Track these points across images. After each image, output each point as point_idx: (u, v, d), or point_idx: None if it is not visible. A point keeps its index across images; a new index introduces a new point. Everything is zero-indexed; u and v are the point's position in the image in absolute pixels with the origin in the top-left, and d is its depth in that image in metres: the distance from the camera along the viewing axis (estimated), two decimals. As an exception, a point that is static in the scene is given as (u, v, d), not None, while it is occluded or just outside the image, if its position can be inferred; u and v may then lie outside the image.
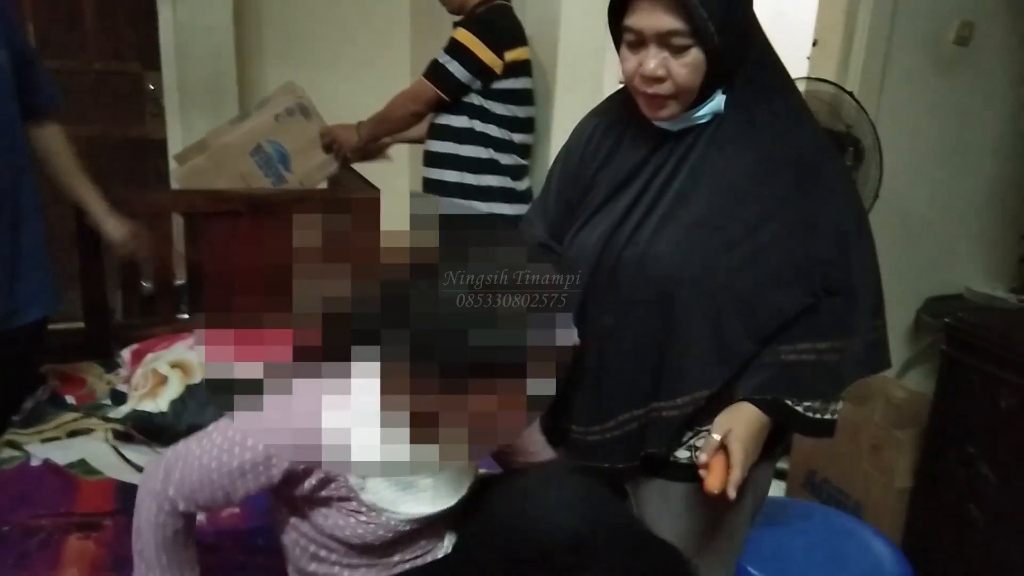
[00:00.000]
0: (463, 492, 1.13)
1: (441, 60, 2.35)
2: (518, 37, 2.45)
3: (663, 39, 1.09)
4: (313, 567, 1.11)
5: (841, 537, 1.68)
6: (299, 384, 1.02)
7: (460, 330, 0.87)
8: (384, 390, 0.93)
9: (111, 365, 2.04)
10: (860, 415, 2.28)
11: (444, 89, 2.36)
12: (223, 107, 3.24)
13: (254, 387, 1.01)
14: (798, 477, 2.44)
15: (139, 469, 1.59)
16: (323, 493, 1.04)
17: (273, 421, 0.99)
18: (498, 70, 2.38)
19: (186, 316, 2.24)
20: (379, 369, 0.92)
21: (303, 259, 1.06)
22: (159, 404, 1.65)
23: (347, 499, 1.04)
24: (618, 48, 1.17)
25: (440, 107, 2.42)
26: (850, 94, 2.29)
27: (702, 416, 1.21)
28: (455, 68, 2.34)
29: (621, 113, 1.26)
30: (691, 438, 1.25)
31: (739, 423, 1.16)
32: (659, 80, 1.12)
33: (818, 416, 1.20)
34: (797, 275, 1.16)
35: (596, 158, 1.28)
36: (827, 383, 1.19)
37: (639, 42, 1.11)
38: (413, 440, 0.94)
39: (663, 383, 1.20)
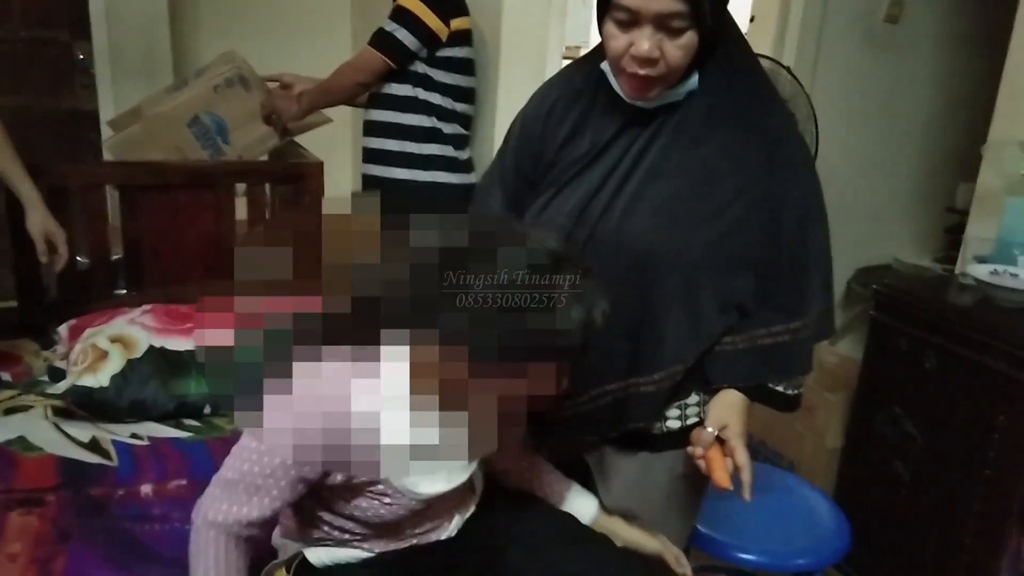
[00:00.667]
0: (473, 468, 1.14)
1: (388, 28, 2.33)
2: (461, 6, 2.45)
3: (662, 20, 1.06)
4: (319, 536, 1.12)
5: (780, 492, 1.75)
6: (326, 368, 1.00)
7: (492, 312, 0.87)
8: (414, 373, 0.93)
9: (47, 342, 1.99)
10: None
11: (393, 57, 2.34)
12: (157, 77, 3.15)
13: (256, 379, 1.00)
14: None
15: (81, 444, 1.57)
16: (355, 481, 1.03)
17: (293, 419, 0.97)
18: (444, 37, 2.37)
19: (123, 291, 2.20)
20: (404, 353, 0.92)
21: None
22: (99, 379, 1.63)
23: (375, 483, 1.03)
24: (601, 24, 1.12)
25: (387, 76, 2.40)
26: (787, 68, 2.34)
27: (681, 390, 1.24)
28: (403, 35, 2.32)
29: (585, 87, 1.24)
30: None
31: (733, 417, 1.21)
32: (652, 61, 1.09)
33: (791, 392, 1.27)
34: (764, 250, 1.19)
35: (559, 133, 1.25)
36: (803, 360, 1.25)
37: (632, 21, 1.07)
38: (443, 424, 0.95)
39: (640, 359, 1.21)
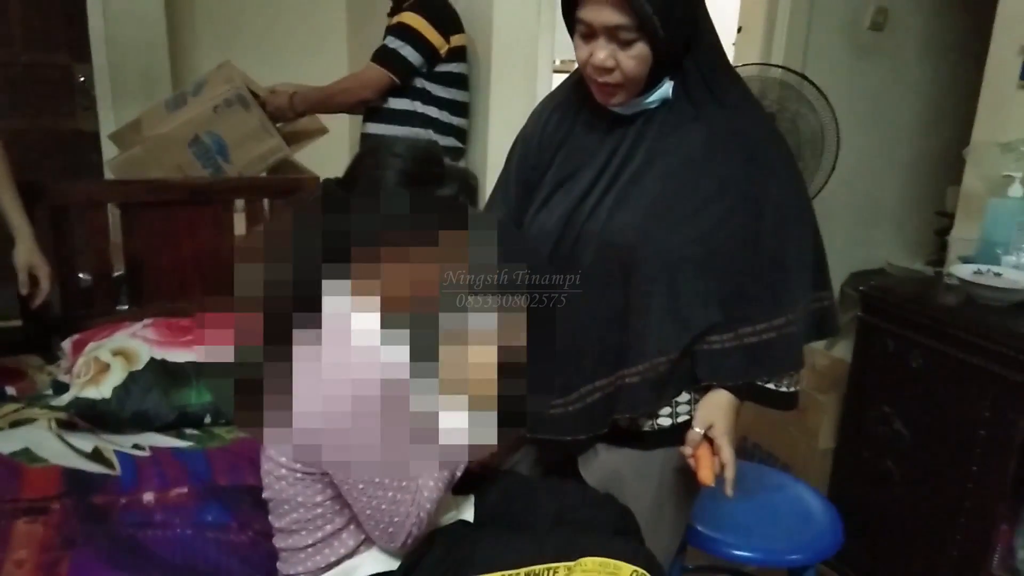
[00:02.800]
0: None
1: (392, 45, 2.39)
2: (458, 22, 2.51)
3: (611, 32, 1.15)
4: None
5: (773, 491, 1.78)
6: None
7: None
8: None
9: (52, 358, 2.03)
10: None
11: (397, 73, 2.40)
12: (157, 96, 3.19)
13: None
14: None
15: (84, 455, 1.60)
16: None
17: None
18: (443, 53, 2.44)
19: (125, 307, 2.24)
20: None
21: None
22: (102, 391, 1.66)
23: None
24: (572, 36, 1.22)
25: (390, 92, 2.45)
26: (812, 83, 2.47)
27: (671, 388, 1.28)
28: (408, 52, 2.38)
29: (575, 97, 1.32)
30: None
31: (719, 416, 1.25)
32: (608, 70, 1.18)
33: (784, 389, 1.31)
34: (744, 248, 1.24)
35: (554, 141, 1.34)
36: (791, 356, 1.29)
37: (590, 33, 1.17)
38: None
39: (626, 351, 1.26)
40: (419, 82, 2.47)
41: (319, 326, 0.98)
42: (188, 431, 1.73)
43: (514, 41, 2.60)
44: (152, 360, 1.75)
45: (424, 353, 0.98)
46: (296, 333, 1.00)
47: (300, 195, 2.26)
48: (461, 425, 1.04)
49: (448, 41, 2.46)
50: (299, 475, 1.13)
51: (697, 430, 1.24)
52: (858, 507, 2.00)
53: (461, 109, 2.60)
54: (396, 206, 0.98)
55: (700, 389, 1.31)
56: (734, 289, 1.25)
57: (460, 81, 2.57)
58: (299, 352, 1.00)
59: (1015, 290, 1.82)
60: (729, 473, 1.22)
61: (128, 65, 3.17)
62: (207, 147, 2.50)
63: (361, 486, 1.08)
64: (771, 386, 1.30)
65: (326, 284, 0.98)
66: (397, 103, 2.50)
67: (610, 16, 1.13)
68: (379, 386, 0.99)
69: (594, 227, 1.25)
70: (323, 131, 2.77)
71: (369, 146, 1.27)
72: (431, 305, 0.93)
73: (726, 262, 1.23)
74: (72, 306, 2.16)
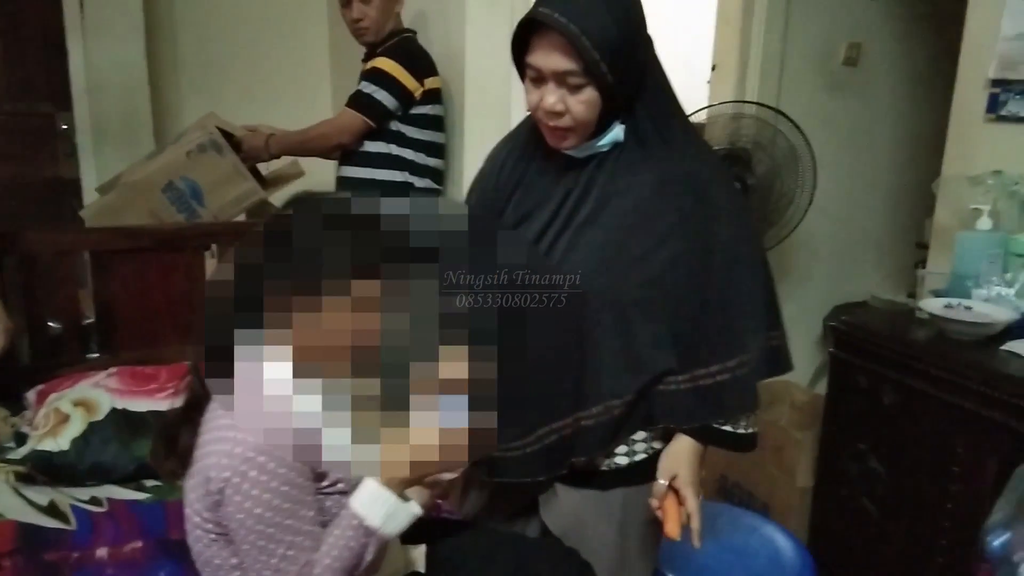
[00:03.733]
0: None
1: (367, 90, 2.41)
2: (432, 66, 2.54)
3: (560, 77, 1.15)
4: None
5: (746, 533, 1.75)
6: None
7: None
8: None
9: (19, 408, 2.01)
10: (764, 419, 2.37)
11: (373, 118, 2.42)
12: (138, 144, 3.22)
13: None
14: (711, 483, 2.52)
15: (40, 509, 1.58)
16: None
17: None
18: (418, 96, 2.46)
19: (96, 355, 2.22)
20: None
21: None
22: (60, 443, 1.65)
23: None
24: (523, 81, 1.23)
25: (366, 136, 2.47)
26: (787, 117, 2.53)
27: (627, 428, 1.28)
28: (383, 96, 2.41)
29: (530, 140, 1.33)
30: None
31: (682, 466, 1.26)
32: (558, 114, 1.18)
33: (742, 431, 1.30)
34: (695, 290, 1.24)
35: (510, 183, 1.34)
36: (746, 397, 1.28)
37: (540, 78, 1.18)
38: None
39: (582, 393, 1.25)
40: (394, 125, 2.49)
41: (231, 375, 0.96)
42: (149, 483, 1.71)
43: (487, 82, 2.62)
44: (113, 410, 1.74)
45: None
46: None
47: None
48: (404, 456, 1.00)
49: (422, 84, 2.48)
50: (212, 536, 1.09)
51: (662, 482, 1.24)
52: (838, 548, 1.97)
53: (437, 150, 2.61)
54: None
55: (658, 429, 1.31)
56: (687, 330, 1.24)
57: (435, 123, 2.58)
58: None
59: (985, 324, 1.80)
60: (695, 524, 1.22)
61: (109, 111, 3.18)
62: (181, 192, 2.51)
63: (249, 541, 1.03)
64: (728, 428, 1.29)
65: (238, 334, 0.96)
66: (373, 146, 2.51)
67: (558, 62, 1.14)
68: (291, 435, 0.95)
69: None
70: (300, 174, 2.78)
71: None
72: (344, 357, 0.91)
73: (677, 304, 1.24)
74: (41, 355, 2.15)
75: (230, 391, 0.94)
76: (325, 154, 2.67)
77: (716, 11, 2.96)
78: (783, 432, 2.28)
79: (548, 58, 1.15)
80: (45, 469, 1.64)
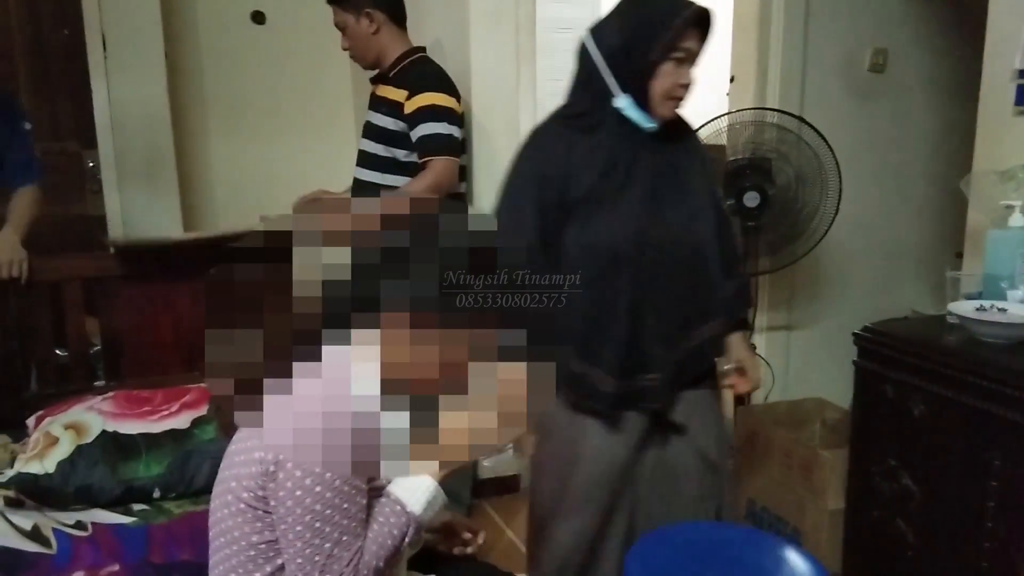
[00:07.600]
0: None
1: (444, 131, 2.34)
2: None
3: (696, 59, 1.51)
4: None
5: (770, 558, 1.62)
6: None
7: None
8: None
9: (22, 436, 2.00)
10: (793, 438, 2.24)
11: (457, 154, 2.38)
12: (161, 180, 3.27)
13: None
14: (740, 508, 2.37)
15: (23, 533, 1.54)
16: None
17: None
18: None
19: (102, 383, 2.21)
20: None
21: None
22: (45, 466, 1.61)
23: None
24: (655, 66, 1.47)
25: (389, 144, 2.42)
26: (811, 126, 2.50)
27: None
28: (454, 131, 2.37)
29: (597, 128, 1.54)
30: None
31: (743, 351, 1.73)
32: (689, 87, 1.52)
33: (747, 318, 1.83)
34: (723, 227, 1.68)
35: (595, 165, 1.52)
36: (750, 293, 1.82)
37: (687, 59, 1.49)
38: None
39: (696, 319, 1.61)
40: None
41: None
42: (136, 507, 1.66)
43: (494, 101, 2.59)
44: (103, 433, 1.70)
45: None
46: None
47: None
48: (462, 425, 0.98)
49: (460, 103, 2.44)
50: (243, 505, 1.06)
51: (732, 365, 1.71)
52: (872, 575, 1.82)
53: (461, 173, 2.56)
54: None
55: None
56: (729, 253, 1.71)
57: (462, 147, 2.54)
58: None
59: (1021, 325, 1.67)
60: (758, 379, 1.76)
61: (133, 149, 3.23)
62: None
63: (299, 528, 1.01)
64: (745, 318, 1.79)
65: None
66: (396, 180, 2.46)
67: (700, 45, 1.50)
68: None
69: (676, 222, 1.57)
70: None
71: None
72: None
73: (729, 242, 1.72)
74: (48, 383, 2.14)
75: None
76: None
77: (732, 20, 2.88)
78: (808, 450, 2.14)
79: (697, 42, 1.49)
80: (31, 492, 1.60)
